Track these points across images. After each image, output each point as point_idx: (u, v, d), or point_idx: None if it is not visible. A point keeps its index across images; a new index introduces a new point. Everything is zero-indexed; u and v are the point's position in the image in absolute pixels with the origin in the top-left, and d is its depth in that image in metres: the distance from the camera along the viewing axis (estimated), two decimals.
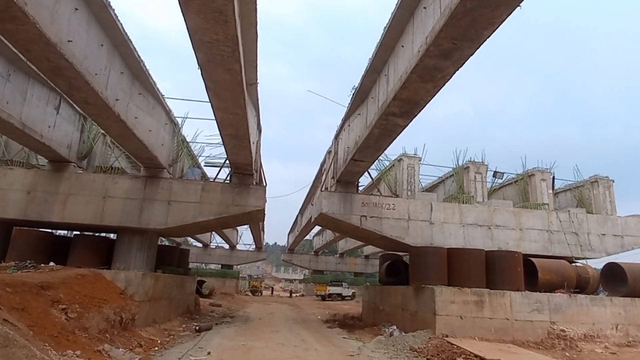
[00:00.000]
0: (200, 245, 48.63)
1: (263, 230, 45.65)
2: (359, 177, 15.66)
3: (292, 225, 47.63)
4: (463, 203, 16.69)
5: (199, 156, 18.02)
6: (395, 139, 11.29)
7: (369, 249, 47.55)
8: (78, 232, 16.13)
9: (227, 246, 49.82)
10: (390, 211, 15.97)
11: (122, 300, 10.41)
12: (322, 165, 20.91)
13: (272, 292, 53.26)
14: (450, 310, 12.22)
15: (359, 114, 13.18)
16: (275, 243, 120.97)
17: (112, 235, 16.22)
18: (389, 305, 16.15)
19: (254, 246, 50.82)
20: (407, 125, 10.31)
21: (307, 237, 58.66)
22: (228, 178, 15.95)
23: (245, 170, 15.40)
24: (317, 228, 42.90)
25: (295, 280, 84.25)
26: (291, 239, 48.67)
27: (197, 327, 13.16)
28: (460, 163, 19.01)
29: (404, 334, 12.97)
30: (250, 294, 46.96)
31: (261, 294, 48.20)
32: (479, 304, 12.39)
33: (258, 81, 12.10)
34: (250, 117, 12.75)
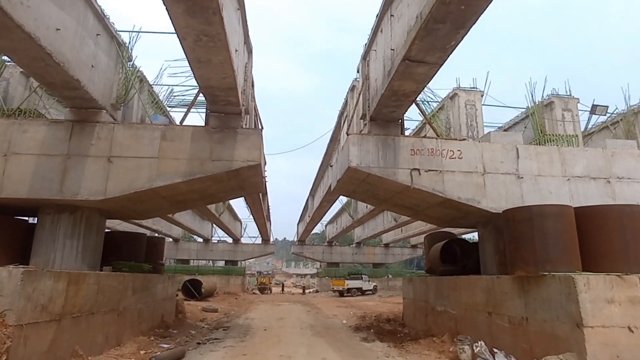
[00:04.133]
0: (201, 240, 43.55)
1: (269, 220, 40.25)
2: (408, 106, 10.01)
3: (302, 213, 42.16)
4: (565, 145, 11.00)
5: (167, 102, 12.48)
6: None
7: (390, 236, 41.94)
8: None
9: (230, 240, 44.51)
10: (456, 161, 10.33)
11: None
12: (340, 114, 15.28)
13: (282, 289, 47.90)
14: (609, 317, 6.61)
15: None
16: (285, 238, 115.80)
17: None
18: (458, 305, 10.57)
19: (260, 239, 45.45)
20: None
21: (317, 230, 53.00)
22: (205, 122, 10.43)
23: (228, 105, 9.84)
24: (330, 213, 37.41)
25: (307, 275, 79.10)
26: (301, 229, 43.19)
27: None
28: (537, 99, 13.32)
29: None
30: (258, 292, 41.66)
31: (270, 292, 42.90)
32: None
33: None
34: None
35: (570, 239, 7.51)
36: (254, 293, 40.71)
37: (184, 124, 10.27)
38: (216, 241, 44.72)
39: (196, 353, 9.46)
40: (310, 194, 32.66)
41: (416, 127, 14.49)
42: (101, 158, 9.43)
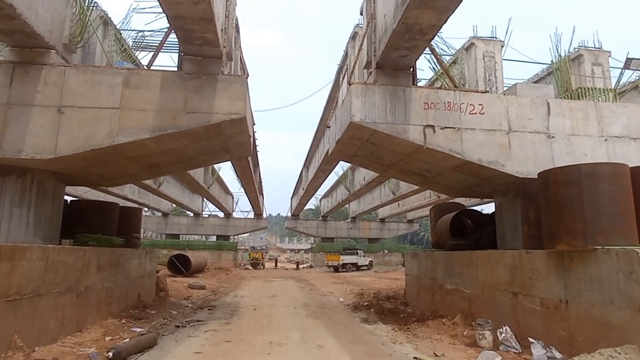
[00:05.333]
0: (191, 215, 42.08)
1: (261, 193, 38.82)
2: (423, 49, 8.35)
3: (295, 187, 40.73)
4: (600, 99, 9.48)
5: (135, 46, 10.64)
6: None
7: (386, 211, 40.80)
8: None
9: (222, 214, 43.11)
10: (476, 117, 8.78)
11: None
12: (339, 70, 13.54)
13: (276, 264, 46.95)
14: None
15: None
16: (279, 214, 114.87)
17: None
18: (473, 284, 9.26)
19: (253, 214, 44.10)
20: None
21: (311, 205, 51.48)
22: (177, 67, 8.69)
23: (205, 45, 8.09)
24: (324, 187, 36.03)
25: (301, 250, 78.54)
26: (295, 203, 41.85)
27: (112, 354, 6.24)
28: (562, 53, 11.70)
29: (554, 352, 6.08)
30: (250, 267, 40.64)
31: (263, 267, 41.90)
32: None
33: None
34: None
35: (628, 205, 6.08)
36: (246, 268, 39.68)
37: (152, 68, 8.53)
38: (207, 215, 43.39)
39: (171, 339, 8.07)
40: (304, 165, 31.11)
41: (426, 83, 12.83)
42: (50, 108, 7.72)
